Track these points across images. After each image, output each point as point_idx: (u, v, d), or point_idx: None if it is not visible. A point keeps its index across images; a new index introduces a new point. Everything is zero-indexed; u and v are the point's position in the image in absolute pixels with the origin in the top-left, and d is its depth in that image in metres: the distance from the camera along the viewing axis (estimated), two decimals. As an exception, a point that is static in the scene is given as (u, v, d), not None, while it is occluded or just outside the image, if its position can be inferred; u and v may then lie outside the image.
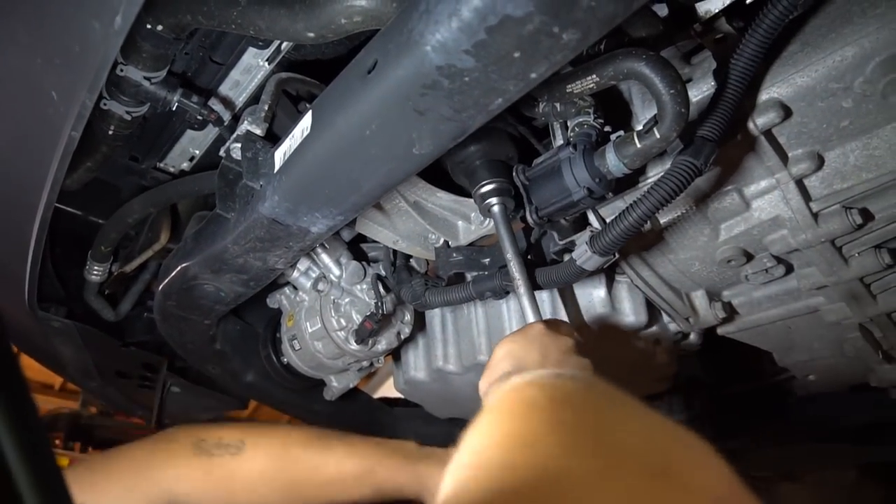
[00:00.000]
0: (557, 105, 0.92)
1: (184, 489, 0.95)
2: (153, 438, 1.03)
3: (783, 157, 0.90)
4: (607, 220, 0.91)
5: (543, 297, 1.19)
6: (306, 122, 0.86)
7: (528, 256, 1.12)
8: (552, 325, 0.88)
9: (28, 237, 1.12)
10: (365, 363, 1.41)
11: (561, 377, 0.55)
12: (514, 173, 0.98)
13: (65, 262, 1.51)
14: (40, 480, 0.33)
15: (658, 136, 0.78)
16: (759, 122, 0.86)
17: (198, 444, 0.99)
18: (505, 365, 0.79)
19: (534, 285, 1.02)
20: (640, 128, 0.81)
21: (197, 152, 1.33)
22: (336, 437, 1.08)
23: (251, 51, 1.06)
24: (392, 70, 0.67)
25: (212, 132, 1.26)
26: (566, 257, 1.02)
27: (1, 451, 0.33)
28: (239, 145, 1.00)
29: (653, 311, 1.21)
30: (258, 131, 1.01)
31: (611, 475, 0.37)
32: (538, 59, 0.62)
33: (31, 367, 1.92)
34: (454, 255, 1.17)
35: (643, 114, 0.94)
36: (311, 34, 0.84)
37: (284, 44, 1.04)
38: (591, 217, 0.99)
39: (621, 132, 0.88)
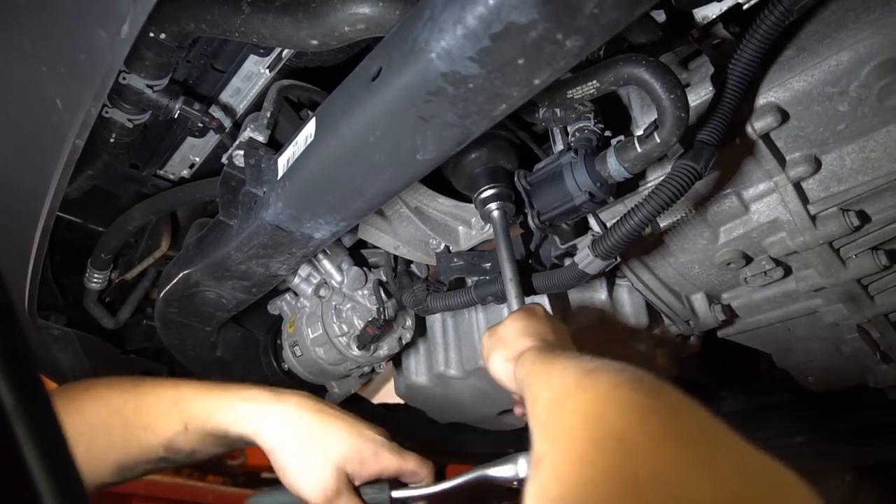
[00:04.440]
0: (558, 110, 0.93)
1: None
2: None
3: (781, 161, 0.91)
4: (608, 224, 0.91)
5: (545, 303, 1.20)
6: (310, 128, 0.86)
7: (530, 261, 1.13)
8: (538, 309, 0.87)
9: (29, 245, 1.12)
10: (366, 369, 1.41)
11: (641, 378, 0.50)
12: (515, 178, 0.99)
13: (64, 270, 1.50)
14: (58, 474, 0.33)
15: (658, 140, 0.79)
16: (756, 126, 0.87)
17: None
18: (526, 341, 0.75)
19: (533, 289, 1.02)
20: (640, 132, 0.82)
21: (197, 159, 1.33)
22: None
23: (252, 58, 1.06)
24: (397, 77, 0.68)
25: (212, 139, 1.26)
26: (567, 261, 1.03)
27: (18, 446, 0.33)
28: (242, 152, 1.00)
29: (653, 313, 1.22)
30: (261, 138, 1.02)
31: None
32: (541, 66, 0.63)
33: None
34: (455, 260, 1.17)
35: (642, 118, 0.95)
36: (315, 42, 0.85)
37: (285, 51, 1.04)
38: (592, 221, 1.00)
39: (621, 137, 0.89)
